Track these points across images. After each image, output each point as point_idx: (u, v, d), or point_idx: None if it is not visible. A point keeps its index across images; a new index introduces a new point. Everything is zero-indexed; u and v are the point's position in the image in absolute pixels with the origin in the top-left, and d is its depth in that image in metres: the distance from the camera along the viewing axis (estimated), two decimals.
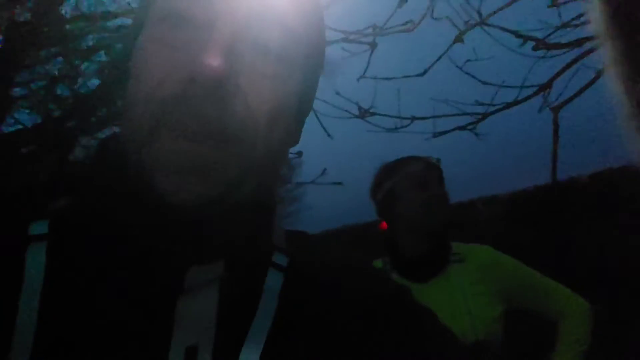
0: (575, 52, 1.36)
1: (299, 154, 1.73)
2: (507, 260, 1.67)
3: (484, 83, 1.47)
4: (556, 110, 1.16)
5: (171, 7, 0.50)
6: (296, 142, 0.63)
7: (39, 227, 0.52)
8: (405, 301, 0.60)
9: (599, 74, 1.16)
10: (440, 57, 1.43)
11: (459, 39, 1.41)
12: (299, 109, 0.57)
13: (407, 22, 1.30)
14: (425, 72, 1.49)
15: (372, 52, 1.39)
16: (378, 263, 1.73)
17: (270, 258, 0.57)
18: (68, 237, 0.51)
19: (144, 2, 0.59)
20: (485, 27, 1.45)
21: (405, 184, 1.71)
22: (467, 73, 1.47)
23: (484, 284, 1.59)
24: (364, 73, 1.47)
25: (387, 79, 1.53)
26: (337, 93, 1.68)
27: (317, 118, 1.68)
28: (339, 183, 1.75)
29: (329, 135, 1.53)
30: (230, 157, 0.48)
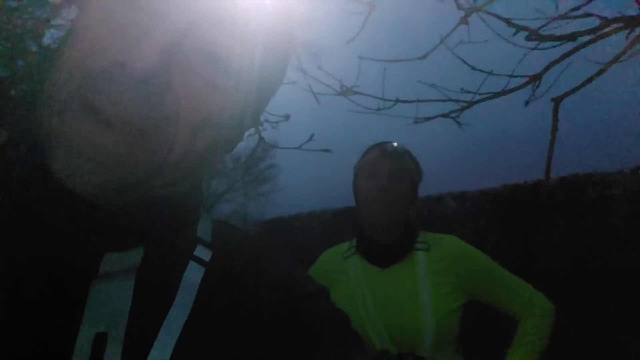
0: (569, 45, 1.33)
1: (286, 117, 1.68)
2: (475, 253, 1.67)
3: (474, 69, 1.43)
4: (557, 101, 1.12)
5: None
6: (231, 149, 0.62)
7: None
8: (320, 304, 0.61)
9: (602, 69, 1.13)
10: (442, 41, 1.38)
11: (464, 20, 1.37)
12: (238, 120, 0.56)
13: None
14: (425, 55, 1.43)
15: (369, 13, 1.33)
16: (344, 245, 1.76)
17: (191, 251, 0.56)
18: None
19: None
20: (480, 14, 1.40)
21: (360, 171, 1.72)
22: (458, 57, 1.42)
23: (447, 275, 1.59)
24: (356, 36, 1.41)
25: (386, 61, 1.47)
26: (319, 68, 1.62)
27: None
28: (327, 150, 1.70)
29: (318, 102, 1.48)
30: (142, 151, 0.46)
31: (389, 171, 1.63)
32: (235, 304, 0.56)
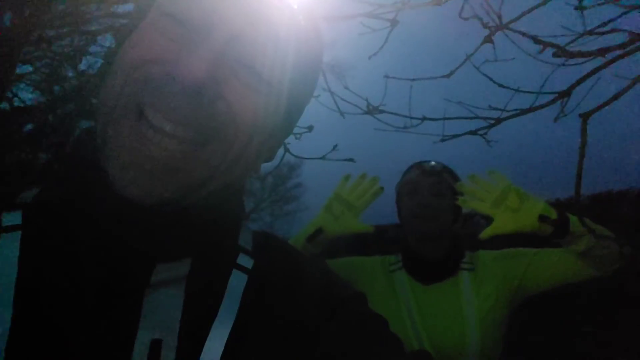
0: (598, 61, 1.32)
1: (310, 128, 1.70)
2: (515, 259, 1.68)
3: (501, 86, 1.43)
4: (585, 117, 1.11)
5: (175, 6, 0.51)
6: (270, 159, 0.66)
7: (12, 218, 0.52)
8: (359, 307, 0.63)
9: (631, 84, 1.12)
10: (467, 58, 1.39)
11: (488, 39, 1.38)
12: (277, 129, 0.59)
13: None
14: (451, 73, 1.45)
15: (391, 29, 1.35)
16: (391, 258, 1.81)
17: (235, 260, 0.59)
18: (41, 229, 0.51)
19: None
20: (505, 31, 1.41)
21: (402, 190, 1.81)
22: (485, 75, 1.43)
23: (494, 296, 1.61)
24: (379, 50, 1.43)
25: (411, 79, 1.49)
26: (346, 87, 1.64)
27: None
28: (351, 159, 1.72)
29: (341, 113, 1.50)
30: (196, 160, 0.49)
31: (429, 188, 1.70)
32: (277, 309, 0.58)
